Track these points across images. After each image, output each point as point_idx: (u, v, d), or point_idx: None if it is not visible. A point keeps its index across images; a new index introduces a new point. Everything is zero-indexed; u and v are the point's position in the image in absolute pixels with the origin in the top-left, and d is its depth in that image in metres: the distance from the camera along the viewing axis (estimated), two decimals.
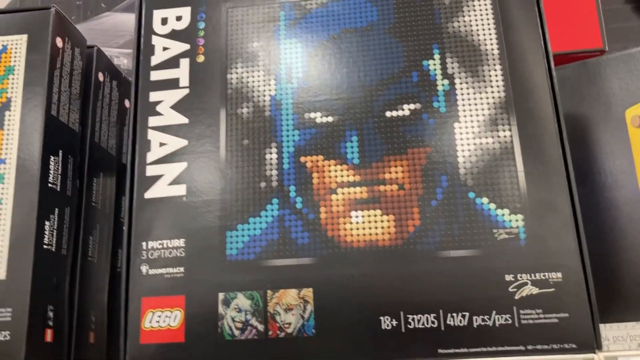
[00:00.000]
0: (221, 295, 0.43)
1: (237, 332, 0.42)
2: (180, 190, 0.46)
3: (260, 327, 0.42)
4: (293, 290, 0.43)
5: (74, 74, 0.54)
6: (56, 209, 0.50)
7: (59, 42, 0.52)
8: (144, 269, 0.44)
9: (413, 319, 0.41)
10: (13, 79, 0.51)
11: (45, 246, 0.48)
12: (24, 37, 0.52)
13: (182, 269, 0.44)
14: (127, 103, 0.65)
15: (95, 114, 0.57)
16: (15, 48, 0.51)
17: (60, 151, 0.51)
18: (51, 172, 0.49)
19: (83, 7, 0.95)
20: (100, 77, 0.59)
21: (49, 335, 0.47)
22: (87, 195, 0.55)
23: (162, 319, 0.43)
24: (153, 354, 0.42)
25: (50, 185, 0.49)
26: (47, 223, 0.48)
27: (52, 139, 0.50)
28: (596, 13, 0.75)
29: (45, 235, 0.48)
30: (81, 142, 0.55)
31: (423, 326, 0.41)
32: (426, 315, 0.41)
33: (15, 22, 0.52)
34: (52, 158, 0.50)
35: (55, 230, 0.49)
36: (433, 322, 0.41)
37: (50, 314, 0.48)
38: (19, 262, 0.46)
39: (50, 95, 0.51)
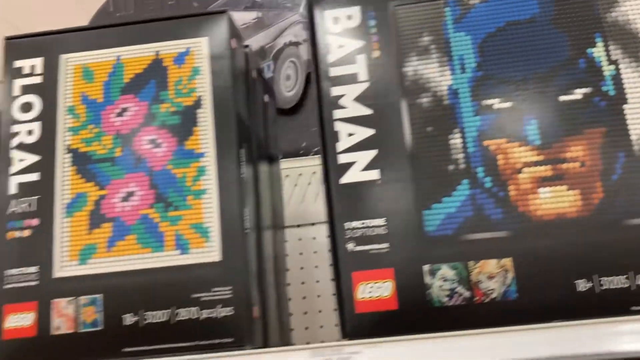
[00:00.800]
0: (426, 267, 0.48)
1: (445, 299, 0.47)
2: (374, 175, 0.51)
3: (467, 294, 0.47)
4: (493, 260, 0.47)
5: (242, 72, 0.59)
6: (247, 197, 0.54)
7: (233, 42, 0.57)
8: (350, 246, 0.49)
9: (606, 281, 0.46)
10: (200, 79, 0.55)
11: (245, 230, 0.52)
12: (205, 39, 0.56)
13: (386, 245, 0.49)
14: (266, 98, 0.69)
15: (253, 109, 0.62)
16: (198, 50, 0.56)
17: (245, 144, 0.56)
18: (242, 163, 0.54)
19: (176, 7, 0.99)
20: (254, 74, 0.63)
21: (256, 311, 0.52)
22: (257, 184, 0.59)
23: (374, 290, 0.48)
24: (369, 321, 0.47)
25: (242, 175, 0.54)
26: (245, 209, 0.53)
27: (240, 133, 0.55)
28: None
29: (246, 221, 0.53)
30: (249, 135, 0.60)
31: (615, 287, 0.46)
32: (618, 276, 0.46)
33: (193, 25, 0.56)
34: (241, 151, 0.54)
35: (251, 216, 0.54)
36: (624, 283, 0.46)
37: (254, 292, 0.52)
38: (230, 246, 0.51)
39: (234, 92, 0.55)
